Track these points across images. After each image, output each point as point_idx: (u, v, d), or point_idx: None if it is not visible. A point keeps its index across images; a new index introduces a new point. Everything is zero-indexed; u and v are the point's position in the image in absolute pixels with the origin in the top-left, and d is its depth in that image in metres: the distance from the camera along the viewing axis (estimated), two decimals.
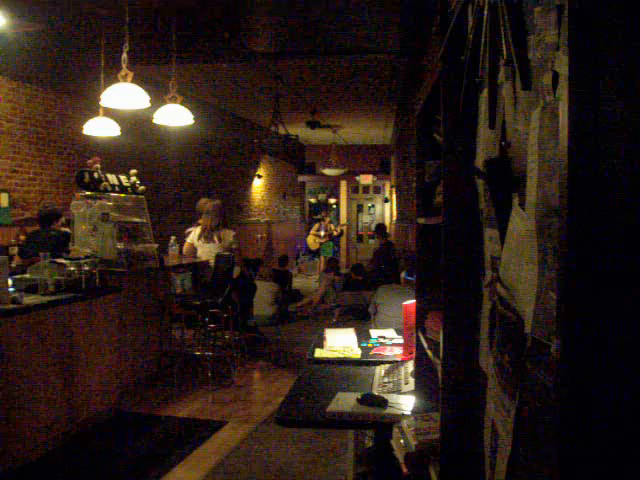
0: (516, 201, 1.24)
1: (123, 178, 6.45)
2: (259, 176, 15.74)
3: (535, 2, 1.15)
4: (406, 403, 2.61)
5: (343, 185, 20.60)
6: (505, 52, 1.27)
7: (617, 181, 0.89)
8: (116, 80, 5.63)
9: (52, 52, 7.74)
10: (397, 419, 2.32)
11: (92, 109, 6.75)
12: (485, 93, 1.51)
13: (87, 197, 5.99)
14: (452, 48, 1.77)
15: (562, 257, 0.93)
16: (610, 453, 0.91)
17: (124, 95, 5.64)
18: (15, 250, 6.46)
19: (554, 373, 0.95)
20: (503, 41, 1.28)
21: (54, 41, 7.57)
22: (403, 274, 7.19)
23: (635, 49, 0.89)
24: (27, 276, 4.87)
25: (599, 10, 0.90)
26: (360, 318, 9.09)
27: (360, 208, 21.59)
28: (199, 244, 7.46)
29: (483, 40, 1.45)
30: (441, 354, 1.75)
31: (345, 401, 2.69)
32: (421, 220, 2.48)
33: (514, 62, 1.22)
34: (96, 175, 6.01)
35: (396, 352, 3.48)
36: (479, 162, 1.60)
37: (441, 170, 1.92)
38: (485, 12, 1.42)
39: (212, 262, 7.22)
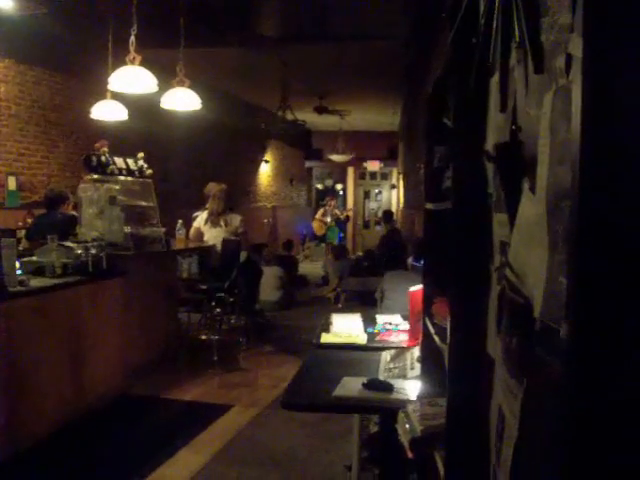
0: (526, 185, 1.23)
1: (130, 162, 6.45)
2: (266, 161, 15.73)
3: None
4: (412, 388, 2.62)
5: (350, 171, 20.57)
6: (517, 35, 1.26)
7: (630, 164, 0.89)
8: (124, 63, 5.62)
9: (59, 35, 7.72)
10: (402, 404, 2.32)
11: (100, 92, 6.74)
12: (496, 77, 1.50)
13: (94, 180, 6.00)
14: (463, 31, 1.76)
15: (573, 241, 0.93)
16: (621, 438, 0.91)
17: (132, 79, 5.63)
18: (22, 233, 6.48)
19: (563, 357, 0.95)
20: (515, 24, 1.27)
21: (61, 24, 7.54)
22: (410, 260, 7.18)
23: None
24: (34, 259, 4.89)
25: None
26: (366, 304, 9.09)
27: (367, 194, 21.55)
28: (206, 228, 7.47)
29: (495, 23, 1.43)
30: (448, 339, 1.75)
31: (351, 386, 2.70)
32: (429, 205, 2.47)
33: (526, 45, 1.21)
34: (103, 158, 6.02)
35: (402, 338, 3.48)
36: (489, 146, 1.59)
37: (450, 154, 1.91)
38: None
39: (219, 246, 7.24)
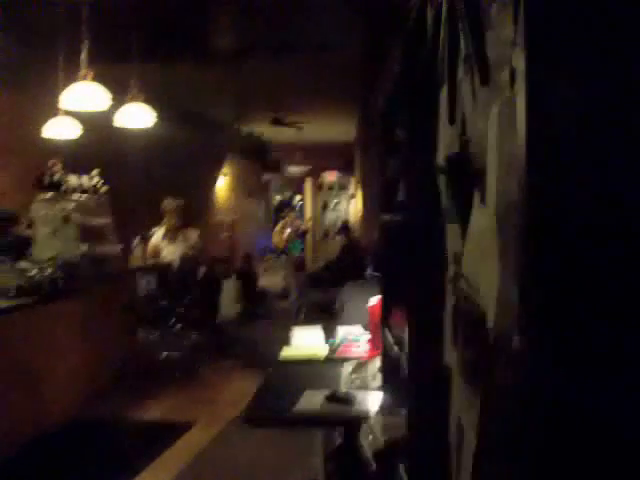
0: (477, 196, 1.24)
1: (84, 179, 6.36)
2: (224, 175, 15.64)
3: None
4: (374, 400, 2.62)
5: (308, 182, 20.56)
6: (464, 48, 1.27)
7: (573, 175, 0.90)
8: (76, 79, 5.52)
9: (8, 51, 7.57)
10: (365, 416, 2.32)
11: (52, 109, 6.62)
12: (445, 89, 1.51)
13: (47, 199, 5.90)
14: (413, 45, 1.78)
15: (521, 252, 0.94)
16: (573, 449, 0.92)
17: (84, 96, 5.53)
18: None
19: (515, 368, 0.96)
20: (462, 37, 1.28)
21: (10, 40, 7.40)
22: (369, 270, 7.20)
23: (590, 45, 0.90)
24: None
25: (555, 5, 0.91)
26: (327, 315, 9.06)
27: (325, 205, 21.55)
28: (163, 244, 7.40)
29: (442, 36, 1.45)
30: (405, 350, 1.75)
31: (313, 399, 2.69)
32: (385, 216, 2.49)
33: (473, 58, 1.23)
34: (56, 177, 5.92)
35: (363, 349, 3.48)
36: (440, 158, 1.61)
37: (403, 166, 1.93)
38: (444, 8, 1.42)
39: (177, 262, 7.17)
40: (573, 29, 0.90)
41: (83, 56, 5.51)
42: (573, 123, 0.90)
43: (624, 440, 0.89)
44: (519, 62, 0.95)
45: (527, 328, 0.93)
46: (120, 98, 6.11)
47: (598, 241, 0.90)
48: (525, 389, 0.93)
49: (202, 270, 7.39)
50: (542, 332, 0.91)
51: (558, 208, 0.90)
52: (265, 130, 14.01)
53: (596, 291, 0.90)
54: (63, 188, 5.93)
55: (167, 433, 4.96)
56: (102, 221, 6.35)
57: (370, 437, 2.16)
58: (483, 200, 1.20)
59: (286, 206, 19.99)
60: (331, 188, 21.28)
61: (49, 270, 4.98)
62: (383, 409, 2.41)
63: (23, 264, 4.99)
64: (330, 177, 20.05)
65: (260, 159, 18.56)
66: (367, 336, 3.61)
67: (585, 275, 0.90)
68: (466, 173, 1.31)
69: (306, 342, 3.72)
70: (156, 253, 7.41)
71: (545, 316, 0.91)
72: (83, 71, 5.49)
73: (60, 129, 6.56)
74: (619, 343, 0.89)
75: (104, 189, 6.49)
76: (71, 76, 5.67)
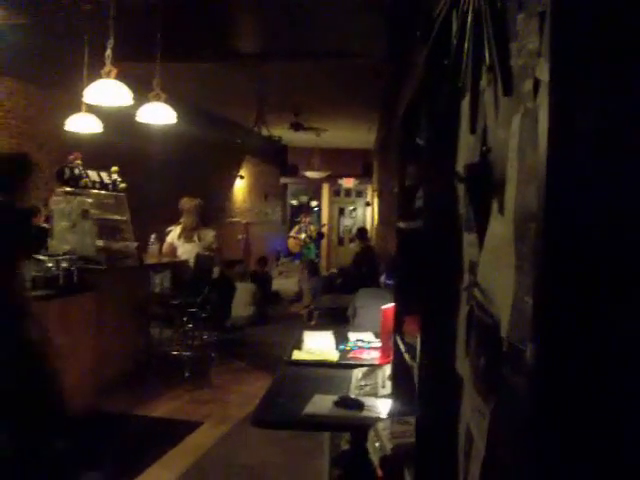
0: (495, 206, 1.24)
1: (104, 175, 6.41)
2: (241, 177, 15.70)
3: (518, 9, 1.16)
4: (382, 406, 2.62)
5: (325, 188, 20.59)
6: (488, 58, 1.28)
7: (593, 188, 0.90)
8: (99, 76, 5.58)
9: (35, 46, 7.64)
10: (373, 422, 2.32)
11: (75, 105, 6.68)
12: (467, 98, 1.52)
13: (67, 193, 5.94)
14: (436, 53, 1.78)
15: (538, 262, 0.94)
16: (582, 460, 0.91)
17: (107, 92, 5.58)
18: None
19: (528, 378, 0.96)
20: (486, 47, 1.29)
21: (37, 34, 7.48)
22: (382, 278, 7.20)
23: (615, 58, 0.90)
24: None
25: (581, 18, 0.91)
26: (339, 321, 9.06)
27: (342, 211, 21.58)
28: (179, 243, 7.44)
29: (466, 45, 1.45)
30: (418, 358, 1.75)
31: (322, 403, 2.69)
32: (401, 224, 2.49)
33: (496, 68, 1.23)
34: (77, 171, 5.97)
35: (374, 355, 3.48)
36: (460, 166, 1.61)
37: (422, 174, 1.93)
38: (469, 18, 1.43)
39: (192, 261, 7.20)
40: (598, 41, 0.90)
41: (108, 53, 5.56)
42: (595, 136, 0.90)
43: (636, 453, 0.89)
44: (543, 73, 0.95)
45: (541, 338, 0.93)
46: (142, 96, 6.16)
47: (616, 254, 0.90)
48: (537, 399, 0.93)
49: (216, 271, 7.40)
50: (556, 342, 0.91)
51: (577, 220, 0.90)
52: (284, 134, 14.04)
53: (613, 303, 0.90)
54: (83, 183, 5.97)
55: (174, 431, 4.98)
56: (120, 217, 6.39)
57: (377, 443, 2.16)
58: (501, 210, 1.20)
59: (302, 211, 20.00)
60: (348, 194, 21.32)
61: (65, 264, 5.02)
62: (392, 416, 2.41)
63: (40, 256, 5.04)
64: (347, 183, 20.06)
65: (278, 163, 18.59)
66: (378, 343, 3.60)
67: (602, 287, 0.90)
68: (485, 182, 1.31)
69: (317, 346, 3.72)
70: (172, 251, 7.45)
71: (560, 327, 0.91)
72: (107, 68, 5.55)
73: (83, 123, 6.62)
74: (635, 356, 0.89)
75: (123, 186, 6.53)
76: (96, 72, 5.72)
